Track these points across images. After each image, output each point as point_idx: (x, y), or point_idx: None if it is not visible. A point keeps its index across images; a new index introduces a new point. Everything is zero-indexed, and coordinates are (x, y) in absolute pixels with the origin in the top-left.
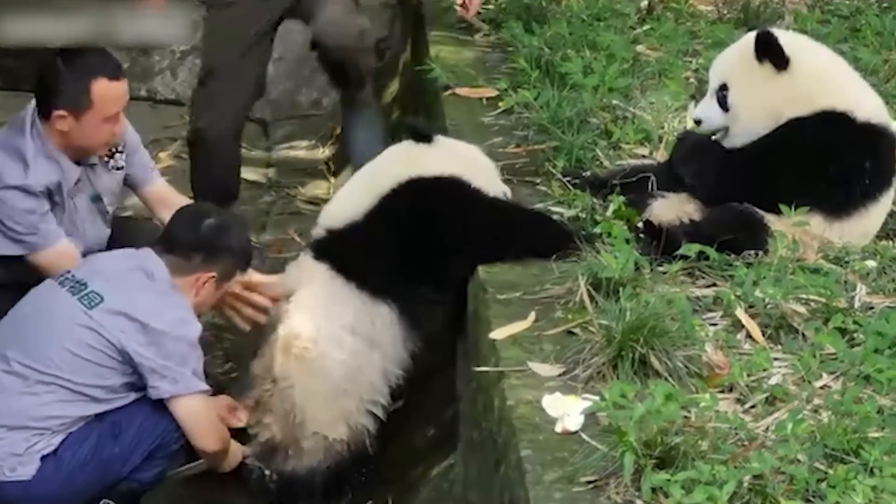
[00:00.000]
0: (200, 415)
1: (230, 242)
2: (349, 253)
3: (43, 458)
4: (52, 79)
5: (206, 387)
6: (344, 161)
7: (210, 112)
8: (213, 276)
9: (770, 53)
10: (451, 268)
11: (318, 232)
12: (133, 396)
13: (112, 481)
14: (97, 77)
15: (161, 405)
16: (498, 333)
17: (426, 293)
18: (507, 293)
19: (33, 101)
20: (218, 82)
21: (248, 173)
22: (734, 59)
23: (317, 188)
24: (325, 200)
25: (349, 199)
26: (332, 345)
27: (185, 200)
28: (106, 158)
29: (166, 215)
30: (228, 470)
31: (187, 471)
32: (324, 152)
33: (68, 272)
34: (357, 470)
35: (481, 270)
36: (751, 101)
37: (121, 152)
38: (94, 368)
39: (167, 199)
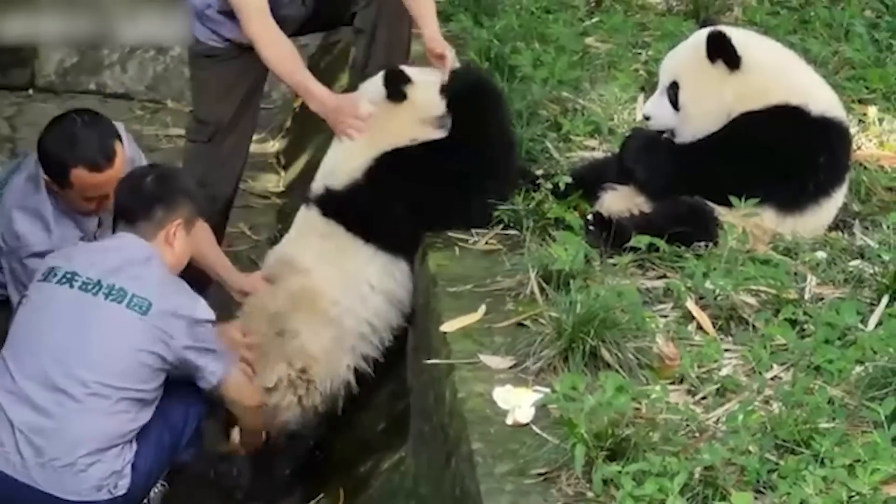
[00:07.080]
0: (245, 385)
1: (179, 185)
2: (356, 210)
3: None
4: (43, 146)
5: (236, 356)
6: (294, 154)
7: (219, 173)
8: (179, 223)
9: (722, 53)
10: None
11: (318, 188)
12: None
13: (169, 463)
14: (77, 166)
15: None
16: (449, 326)
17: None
18: (458, 286)
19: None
20: (226, 138)
21: None
22: (685, 58)
23: (267, 181)
24: (276, 194)
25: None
26: (357, 303)
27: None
28: None
29: None
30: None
31: None
32: (274, 146)
33: (75, 273)
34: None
35: (431, 263)
36: (702, 100)
37: None
38: (154, 373)
39: None
